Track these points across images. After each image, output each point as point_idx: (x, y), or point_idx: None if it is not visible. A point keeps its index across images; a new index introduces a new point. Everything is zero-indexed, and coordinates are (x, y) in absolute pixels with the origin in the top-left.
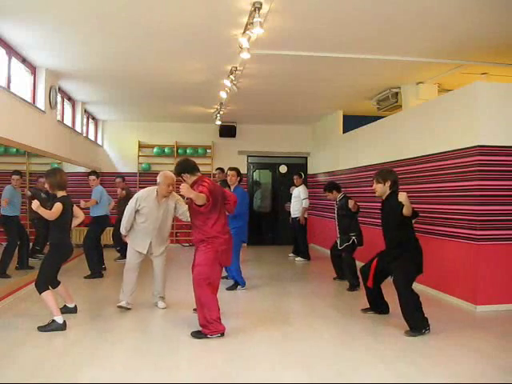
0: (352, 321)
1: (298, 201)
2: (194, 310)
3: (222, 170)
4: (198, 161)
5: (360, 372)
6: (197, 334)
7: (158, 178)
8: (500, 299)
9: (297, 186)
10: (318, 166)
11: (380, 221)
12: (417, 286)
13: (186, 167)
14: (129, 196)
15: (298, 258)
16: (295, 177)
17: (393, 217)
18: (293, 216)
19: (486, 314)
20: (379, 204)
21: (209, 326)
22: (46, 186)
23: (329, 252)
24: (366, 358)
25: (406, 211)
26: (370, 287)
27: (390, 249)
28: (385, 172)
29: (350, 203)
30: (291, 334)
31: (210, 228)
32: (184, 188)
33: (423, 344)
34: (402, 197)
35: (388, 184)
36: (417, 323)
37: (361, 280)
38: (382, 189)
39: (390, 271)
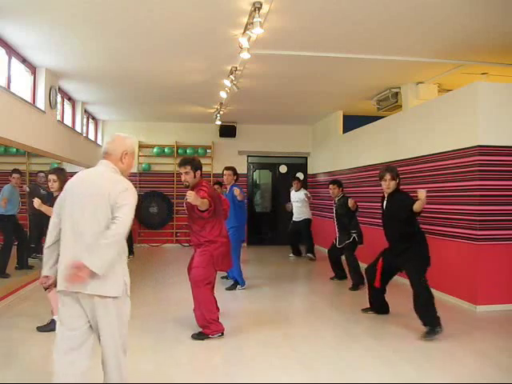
0: (353, 321)
1: (303, 204)
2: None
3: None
4: None
5: (360, 372)
6: (198, 336)
7: (127, 143)
8: (500, 299)
9: (296, 191)
10: (317, 165)
11: (382, 217)
12: None
13: (200, 166)
14: None
15: (309, 254)
16: (294, 182)
17: (401, 211)
18: (297, 220)
19: (486, 314)
20: (379, 204)
21: (209, 326)
22: (56, 183)
23: (325, 250)
24: (366, 359)
25: (418, 207)
26: (377, 287)
27: (396, 243)
28: (395, 169)
29: (350, 202)
30: (292, 334)
31: (207, 233)
32: (192, 196)
33: (423, 344)
34: (423, 194)
35: (398, 180)
36: (431, 319)
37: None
38: (395, 185)
39: (398, 267)
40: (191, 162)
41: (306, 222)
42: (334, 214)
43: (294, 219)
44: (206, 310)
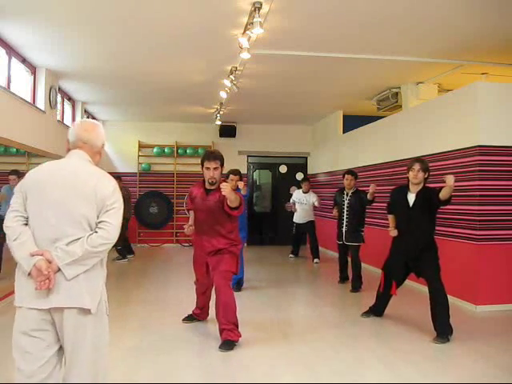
0: (353, 321)
1: (310, 208)
2: (190, 316)
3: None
4: (198, 161)
5: (360, 372)
6: (229, 346)
7: (103, 134)
8: (500, 299)
9: (305, 192)
10: (317, 165)
11: (406, 215)
12: (415, 285)
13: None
14: (127, 196)
15: (316, 260)
16: (304, 183)
17: (430, 208)
18: (301, 222)
19: (486, 313)
20: (380, 204)
21: (234, 331)
22: None
23: (329, 252)
24: (366, 359)
25: (446, 193)
26: (394, 294)
27: (418, 242)
28: (427, 162)
29: (372, 188)
30: (292, 334)
31: (236, 233)
32: (228, 187)
33: (423, 344)
34: (451, 180)
35: (426, 176)
36: (447, 328)
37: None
38: (422, 179)
39: (411, 269)
40: (221, 156)
41: (313, 225)
42: (346, 210)
43: (297, 221)
44: (233, 311)
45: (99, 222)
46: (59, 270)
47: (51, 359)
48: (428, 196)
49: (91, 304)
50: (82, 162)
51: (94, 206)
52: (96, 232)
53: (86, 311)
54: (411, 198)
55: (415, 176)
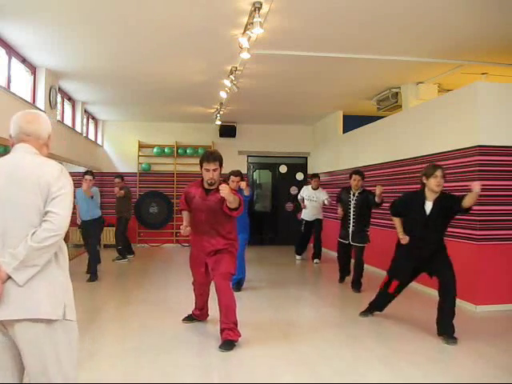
0: (353, 321)
1: (320, 205)
2: (190, 316)
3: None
4: (198, 161)
5: (360, 372)
6: (229, 346)
7: (49, 124)
8: (500, 299)
9: (315, 189)
10: (317, 165)
11: (421, 222)
12: (414, 286)
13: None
14: (128, 196)
15: (316, 260)
16: (314, 179)
17: (447, 215)
18: (309, 220)
19: (486, 313)
20: (382, 205)
21: (235, 330)
22: None
23: (329, 252)
24: (366, 359)
25: (471, 201)
26: (391, 292)
27: (430, 248)
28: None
29: (379, 189)
30: (292, 334)
31: (235, 233)
32: (226, 189)
33: (423, 344)
34: (478, 187)
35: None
36: (452, 329)
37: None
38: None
39: (420, 272)
40: (220, 157)
41: (320, 224)
42: (352, 210)
43: (306, 218)
44: (234, 311)
45: (45, 214)
46: (10, 277)
47: (14, 372)
48: (447, 204)
49: (52, 311)
50: (27, 156)
51: (39, 196)
52: (41, 226)
53: (41, 321)
54: (428, 206)
55: (438, 184)
